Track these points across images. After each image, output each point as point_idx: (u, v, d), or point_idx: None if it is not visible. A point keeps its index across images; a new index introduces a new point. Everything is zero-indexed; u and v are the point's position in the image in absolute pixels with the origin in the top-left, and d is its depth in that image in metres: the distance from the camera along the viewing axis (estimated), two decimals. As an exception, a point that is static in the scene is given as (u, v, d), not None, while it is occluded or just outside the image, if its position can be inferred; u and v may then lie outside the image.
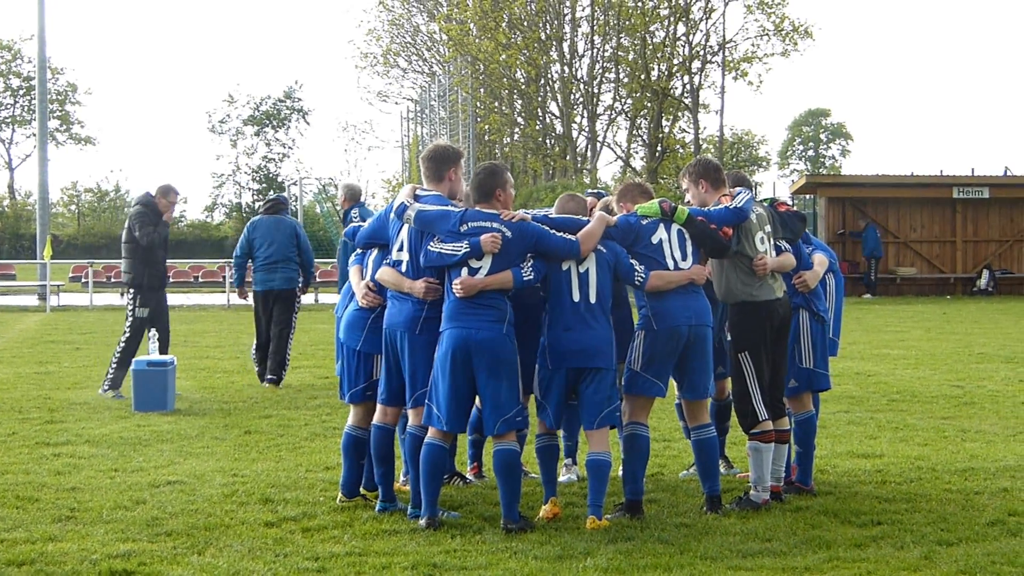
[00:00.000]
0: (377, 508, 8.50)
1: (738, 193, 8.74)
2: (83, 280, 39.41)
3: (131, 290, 14.75)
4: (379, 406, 8.56)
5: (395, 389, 8.42)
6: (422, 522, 8.02)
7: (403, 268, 8.34)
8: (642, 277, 8.32)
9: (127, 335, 14.67)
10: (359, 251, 9.03)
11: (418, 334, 8.23)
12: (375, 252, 8.76)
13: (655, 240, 8.46)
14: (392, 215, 8.45)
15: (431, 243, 8.13)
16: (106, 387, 14.56)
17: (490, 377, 8.00)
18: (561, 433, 8.94)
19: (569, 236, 8.21)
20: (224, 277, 36.44)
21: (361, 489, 8.81)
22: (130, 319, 14.68)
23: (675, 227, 8.51)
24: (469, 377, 8.03)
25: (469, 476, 9.66)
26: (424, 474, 8.06)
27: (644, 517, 8.26)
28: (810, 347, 9.09)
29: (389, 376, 8.44)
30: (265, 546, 7.57)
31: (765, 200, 9.14)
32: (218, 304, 36.00)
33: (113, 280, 40.06)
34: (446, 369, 8.01)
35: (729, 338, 8.80)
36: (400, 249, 8.38)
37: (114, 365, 14.59)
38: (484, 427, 8.27)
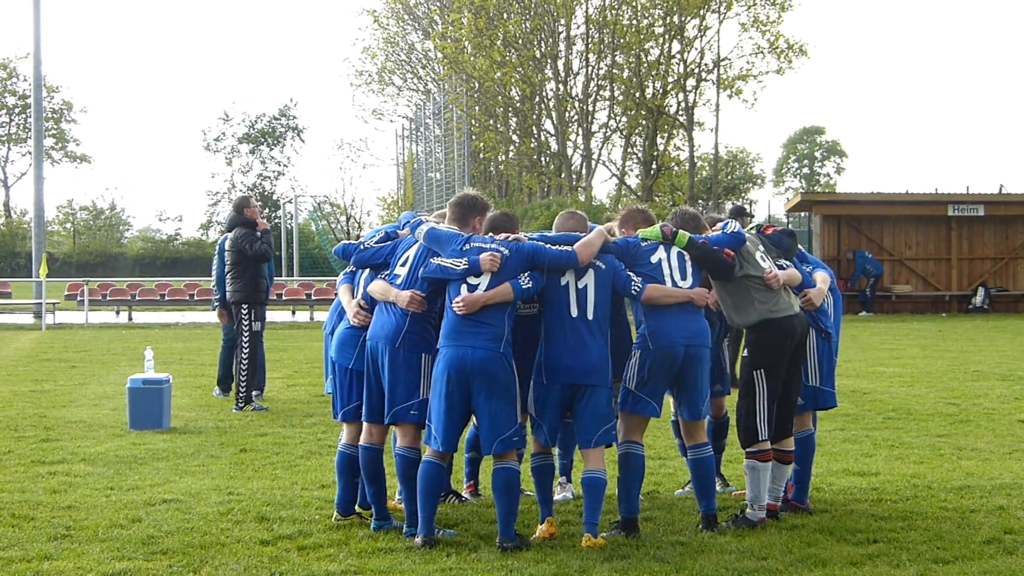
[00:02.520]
0: (372, 526, 8.50)
1: (725, 224, 8.83)
2: (79, 298, 39.31)
3: (244, 306, 14.97)
4: (364, 425, 8.55)
5: (376, 405, 8.41)
6: (418, 540, 8.02)
7: (398, 282, 8.38)
8: (638, 287, 8.33)
9: (247, 350, 14.90)
10: (349, 270, 9.06)
11: (398, 347, 8.23)
12: (367, 271, 8.79)
13: (654, 260, 8.51)
14: (407, 227, 8.61)
15: (433, 258, 8.21)
16: (240, 404, 14.80)
17: (487, 398, 7.99)
18: (556, 451, 8.93)
19: (565, 247, 8.24)
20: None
21: (356, 507, 8.81)
22: (246, 334, 14.96)
23: (675, 249, 8.56)
24: (464, 397, 8.03)
25: (465, 494, 9.65)
26: (421, 492, 8.05)
27: (640, 535, 8.26)
28: (816, 364, 9.07)
29: (370, 392, 8.44)
30: (261, 564, 7.57)
31: (751, 228, 9.20)
32: (213, 322, 35.91)
33: (109, 298, 39.98)
34: (441, 389, 8.02)
35: (745, 354, 8.78)
36: (403, 264, 8.43)
37: (243, 383, 14.83)
38: (481, 447, 8.27)
